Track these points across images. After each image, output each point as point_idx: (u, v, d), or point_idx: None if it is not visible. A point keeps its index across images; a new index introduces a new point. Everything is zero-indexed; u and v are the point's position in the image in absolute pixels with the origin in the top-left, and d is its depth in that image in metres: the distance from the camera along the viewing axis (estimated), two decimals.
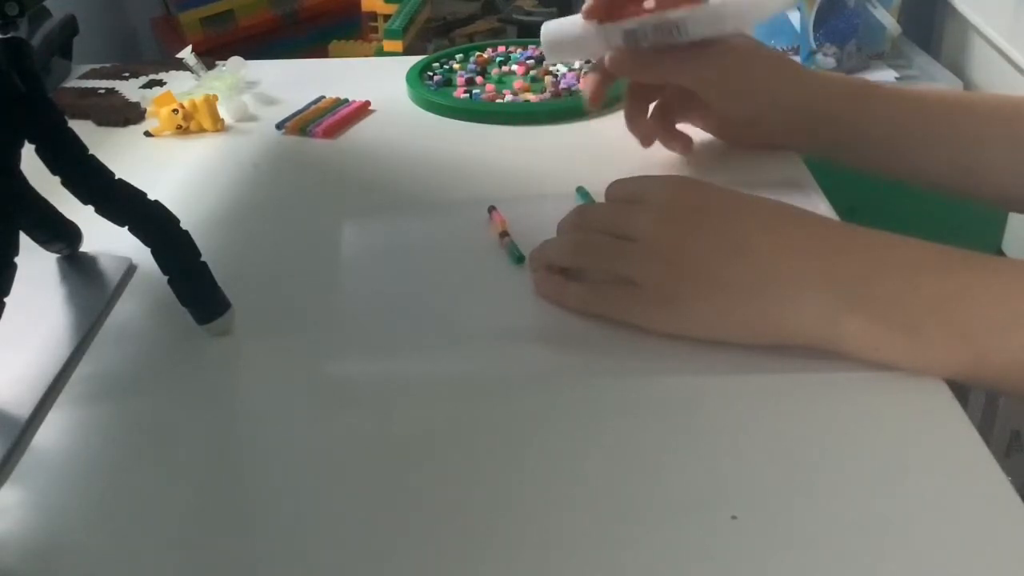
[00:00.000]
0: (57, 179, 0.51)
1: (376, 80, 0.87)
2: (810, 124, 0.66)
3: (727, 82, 0.65)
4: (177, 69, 0.93)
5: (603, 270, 0.52)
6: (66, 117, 0.51)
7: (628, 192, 0.54)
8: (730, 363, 0.48)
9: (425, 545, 0.39)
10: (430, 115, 0.81)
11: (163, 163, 0.75)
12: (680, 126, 0.70)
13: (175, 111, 0.78)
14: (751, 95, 0.66)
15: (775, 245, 0.48)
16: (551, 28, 0.66)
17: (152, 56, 1.45)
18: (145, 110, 0.83)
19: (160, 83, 0.90)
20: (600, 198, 0.57)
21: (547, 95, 0.80)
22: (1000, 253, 1.51)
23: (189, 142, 0.78)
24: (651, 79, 0.67)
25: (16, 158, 0.49)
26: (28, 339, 0.52)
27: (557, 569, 0.38)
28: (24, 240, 0.50)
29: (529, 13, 1.47)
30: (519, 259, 0.57)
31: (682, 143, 0.69)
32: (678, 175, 0.53)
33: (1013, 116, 0.64)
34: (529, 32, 1.38)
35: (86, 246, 0.60)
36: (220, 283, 0.52)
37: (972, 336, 0.44)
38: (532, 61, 0.87)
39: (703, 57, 0.64)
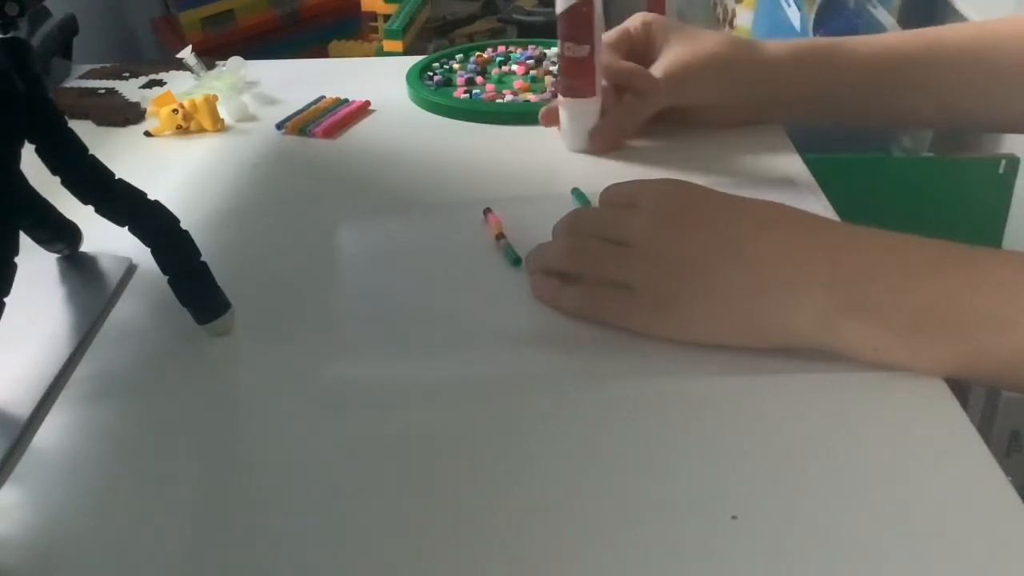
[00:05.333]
0: (57, 179, 0.51)
1: (376, 80, 0.87)
2: (776, 95, 0.69)
3: (694, 88, 0.69)
4: (177, 69, 0.93)
5: (599, 275, 0.52)
6: (66, 117, 0.51)
7: (623, 196, 0.54)
8: (729, 364, 0.48)
9: (425, 545, 0.39)
10: (430, 115, 0.81)
11: (163, 163, 0.75)
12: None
13: (175, 111, 0.78)
14: (717, 87, 0.69)
15: (772, 247, 0.48)
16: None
17: (152, 56, 1.44)
18: (145, 110, 0.83)
19: (160, 83, 0.90)
20: (597, 200, 0.57)
21: (547, 95, 0.80)
22: None
23: (189, 142, 0.78)
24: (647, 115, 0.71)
25: (16, 158, 0.49)
26: (28, 339, 0.52)
27: (557, 569, 0.38)
28: (24, 240, 0.50)
29: (529, 13, 1.47)
30: (516, 261, 0.57)
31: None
32: (673, 179, 0.53)
33: (987, 48, 0.66)
34: (529, 32, 1.38)
35: (86, 246, 0.60)
36: (220, 283, 0.52)
37: (971, 334, 0.44)
38: (532, 61, 0.87)
39: (670, 81, 0.68)
